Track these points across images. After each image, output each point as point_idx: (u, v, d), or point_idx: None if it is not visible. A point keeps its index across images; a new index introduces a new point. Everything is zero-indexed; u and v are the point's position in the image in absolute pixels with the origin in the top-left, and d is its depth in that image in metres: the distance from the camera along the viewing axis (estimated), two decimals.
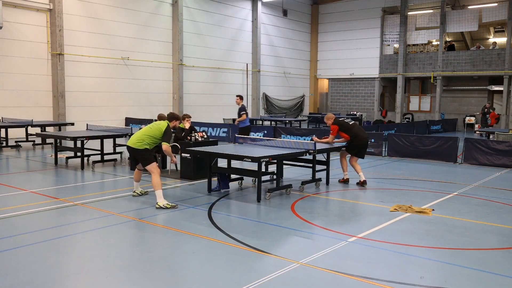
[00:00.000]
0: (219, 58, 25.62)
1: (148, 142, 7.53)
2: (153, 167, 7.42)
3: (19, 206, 7.15)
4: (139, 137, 7.53)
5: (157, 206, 7.13)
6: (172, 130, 7.97)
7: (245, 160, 7.55)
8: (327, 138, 9.75)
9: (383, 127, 19.15)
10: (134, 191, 7.99)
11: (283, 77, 30.24)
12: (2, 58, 17.15)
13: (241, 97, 13.12)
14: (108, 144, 12.41)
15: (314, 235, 5.93)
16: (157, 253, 5.16)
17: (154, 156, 10.51)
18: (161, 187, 7.31)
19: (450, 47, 27.33)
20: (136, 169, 7.93)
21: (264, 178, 8.64)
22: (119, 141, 12.73)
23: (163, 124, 7.65)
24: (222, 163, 8.73)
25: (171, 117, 7.93)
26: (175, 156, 8.17)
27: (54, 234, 5.84)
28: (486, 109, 22.94)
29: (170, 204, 7.17)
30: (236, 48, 26.71)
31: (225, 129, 18.26)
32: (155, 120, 10.76)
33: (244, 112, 12.90)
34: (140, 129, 8.26)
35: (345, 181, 9.52)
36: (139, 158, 7.60)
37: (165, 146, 7.52)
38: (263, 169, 8.91)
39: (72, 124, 16.33)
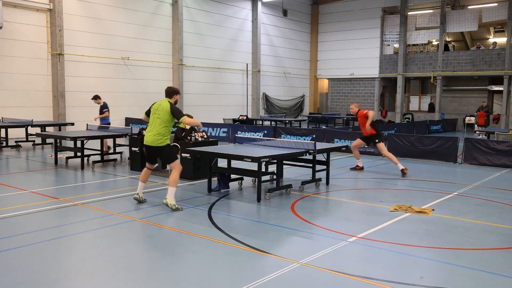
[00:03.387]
0: (219, 58, 25.63)
1: (167, 133, 7.07)
2: (178, 163, 7.17)
3: (19, 206, 7.15)
4: (156, 132, 7.01)
5: (164, 201, 6.99)
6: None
7: (245, 160, 7.54)
8: (368, 118, 10.65)
9: (383, 127, 19.15)
10: (138, 194, 7.39)
11: (283, 77, 30.25)
12: (2, 58, 17.16)
13: (99, 97, 13.30)
14: (108, 144, 12.40)
15: (314, 235, 5.93)
16: (157, 253, 5.16)
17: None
18: (177, 185, 7.09)
19: (445, 47, 27.30)
20: (146, 168, 7.39)
21: (264, 178, 8.64)
22: (119, 141, 12.74)
23: (165, 104, 7.03)
24: (222, 163, 8.74)
25: (170, 92, 7.25)
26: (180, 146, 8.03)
27: (54, 234, 5.84)
28: (482, 108, 22.96)
29: (177, 206, 6.96)
30: (236, 48, 26.72)
31: (225, 129, 18.27)
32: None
33: (106, 110, 13.21)
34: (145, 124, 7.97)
35: (361, 169, 11.10)
36: (164, 156, 7.24)
37: (186, 120, 7.00)
38: (263, 169, 8.91)
39: (72, 124, 16.34)
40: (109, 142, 12.63)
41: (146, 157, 7.47)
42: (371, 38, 29.33)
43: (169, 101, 7.12)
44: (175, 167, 7.11)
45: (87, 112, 19.45)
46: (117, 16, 20.68)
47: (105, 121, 13.25)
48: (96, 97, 13.27)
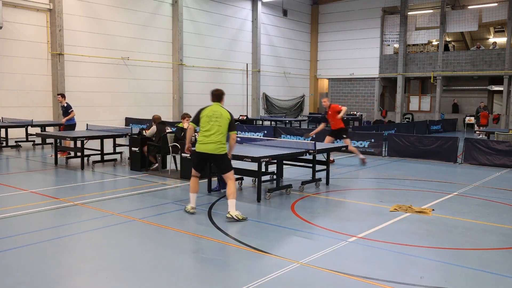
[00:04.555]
0: (219, 58, 25.63)
1: (225, 141, 6.66)
2: (232, 173, 6.71)
3: (19, 206, 7.15)
4: (218, 140, 6.55)
5: (229, 216, 6.41)
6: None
7: (245, 160, 7.53)
8: (340, 112, 11.52)
9: (383, 127, 19.15)
10: (193, 207, 6.80)
11: (283, 77, 30.25)
12: (2, 58, 17.15)
13: (64, 96, 13.11)
14: (108, 144, 12.41)
15: (314, 235, 5.93)
16: (157, 253, 5.16)
17: (155, 156, 10.55)
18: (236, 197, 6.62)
19: (445, 47, 27.27)
20: (195, 178, 6.84)
21: (264, 178, 8.64)
22: (119, 141, 12.73)
23: (225, 113, 6.61)
24: None
25: (219, 94, 6.77)
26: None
27: (54, 234, 5.84)
28: (480, 109, 22.98)
29: (242, 216, 6.44)
30: (236, 48, 26.72)
31: None
32: (154, 120, 10.68)
33: (72, 110, 12.94)
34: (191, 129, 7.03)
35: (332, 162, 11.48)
36: (222, 165, 6.70)
37: (235, 136, 6.75)
38: (263, 169, 8.91)
39: None
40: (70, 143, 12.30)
41: (196, 165, 6.87)
42: (371, 38, 29.32)
43: (226, 109, 6.73)
44: (231, 178, 6.68)
45: (87, 112, 19.49)
46: (117, 16, 20.68)
47: (71, 121, 12.97)
48: (62, 95, 13.05)
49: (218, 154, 6.59)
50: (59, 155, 11.65)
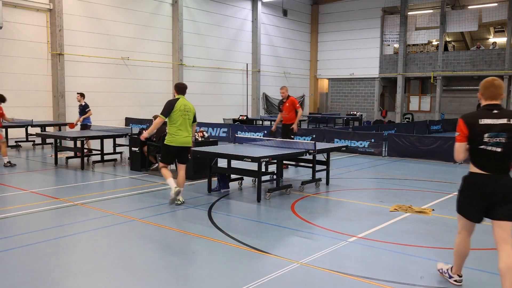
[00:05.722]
0: (219, 58, 25.64)
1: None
2: None
3: (19, 206, 7.15)
4: (189, 134, 7.26)
5: (181, 201, 7.26)
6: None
7: (245, 160, 7.54)
8: (297, 114, 10.79)
9: (383, 127, 19.16)
10: (176, 187, 7.17)
11: (283, 77, 30.25)
12: (2, 58, 17.16)
13: (84, 96, 13.08)
14: (108, 144, 12.41)
15: (314, 235, 5.93)
16: (157, 253, 5.16)
17: (155, 156, 10.56)
18: None
19: (444, 47, 27.27)
20: (165, 167, 7.36)
21: (264, 178, 8.64)
22: (119, 141, 12.73)
23: (192, 106, 7.28)
24: (222, 163, 8.74)
25: (185, 88, 7.35)
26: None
27: (54, 234, 5.84)
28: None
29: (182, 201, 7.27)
30: (236, 48, 26.72)
31: (225, 129, 18.28)
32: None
33: (89, 109, 12.92)
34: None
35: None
36: (187, 155, 7.42)
37: (195, 125, 7.52)
38: (263, 169, 8.91)
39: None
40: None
41: (169, 159, 7.41)
42: (371, 38, 29.33)
43: (189, 102, 7.31)
44: (184, 168, 7.41)
45: None
46: (117, 16, 20.68)
47: (88, 121, 12.97)
48: (81, 94, 13.01)
49: (189, 146, 7.31)
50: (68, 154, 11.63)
